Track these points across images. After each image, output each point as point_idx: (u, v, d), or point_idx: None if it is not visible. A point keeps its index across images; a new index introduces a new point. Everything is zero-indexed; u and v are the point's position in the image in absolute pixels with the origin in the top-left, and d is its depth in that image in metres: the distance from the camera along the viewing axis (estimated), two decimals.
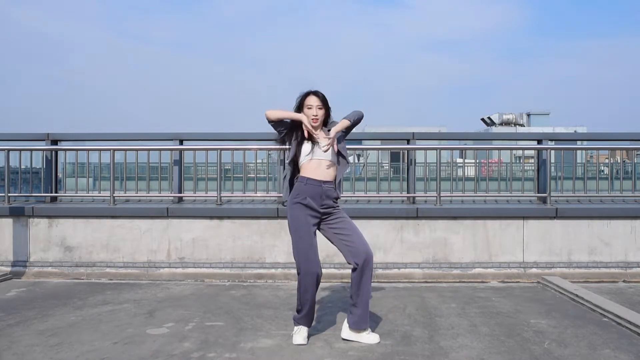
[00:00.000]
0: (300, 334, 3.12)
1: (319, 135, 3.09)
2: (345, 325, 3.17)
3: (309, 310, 3.11)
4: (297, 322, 3.15)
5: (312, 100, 3.07)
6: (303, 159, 3.08)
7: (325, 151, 3.04)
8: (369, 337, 3.12)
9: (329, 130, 3.12)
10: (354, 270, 3.04)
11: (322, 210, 3.07)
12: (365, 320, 3.12)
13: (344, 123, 3.12)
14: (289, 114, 3.12)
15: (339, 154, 3.12)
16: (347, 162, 3.15)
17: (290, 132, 3.14)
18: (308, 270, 2.99)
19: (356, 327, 3.12)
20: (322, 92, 3.13)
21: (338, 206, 3.14)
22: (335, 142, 3.08)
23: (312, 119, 3.05)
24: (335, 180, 3.12)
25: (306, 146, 3.07)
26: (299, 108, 3.11)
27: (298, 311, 3.13)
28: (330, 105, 3.16)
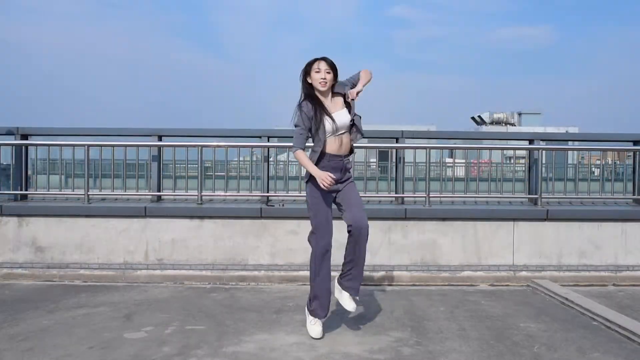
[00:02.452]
0: (319, 324, 3.18)
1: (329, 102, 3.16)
2: (337, 285, 3.24)
3: (324, 298, 3.15)
4: (311, 313, 3.19)
5: (321, 65, 3.12)
6: (326, 137, 3.14)
7: (353, 100, 3.16)
8: (349, 302, 3.18)
9: (340, 95, 3.19)
10: (349, 233, 3.12)
11: (340, 182, 3.20)
12: (356, 288, 3.17)
13: (367, 75, 3.20)
14: (310, 166, 3.12)
15: (352, 126, 3.21)
16: (361, 134, 3.28)
17: (311, 122, 3.14)
18: (320, 242, 3.11)
19: (346, 288, 3.19)
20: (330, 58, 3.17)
21: (351, 175, 3.31)
22: (354, 104, 3.17)
23: (320, 82, 3.10)
24: (349, 153, 3.27)
25: (327, 125, 3.12)
26: (307, 73, 3.14)
27: (311, 299, 3.18)
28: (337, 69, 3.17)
